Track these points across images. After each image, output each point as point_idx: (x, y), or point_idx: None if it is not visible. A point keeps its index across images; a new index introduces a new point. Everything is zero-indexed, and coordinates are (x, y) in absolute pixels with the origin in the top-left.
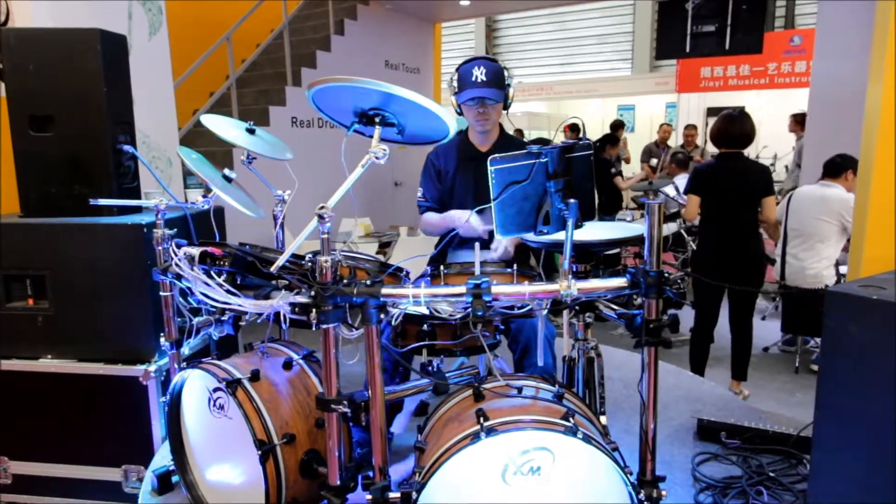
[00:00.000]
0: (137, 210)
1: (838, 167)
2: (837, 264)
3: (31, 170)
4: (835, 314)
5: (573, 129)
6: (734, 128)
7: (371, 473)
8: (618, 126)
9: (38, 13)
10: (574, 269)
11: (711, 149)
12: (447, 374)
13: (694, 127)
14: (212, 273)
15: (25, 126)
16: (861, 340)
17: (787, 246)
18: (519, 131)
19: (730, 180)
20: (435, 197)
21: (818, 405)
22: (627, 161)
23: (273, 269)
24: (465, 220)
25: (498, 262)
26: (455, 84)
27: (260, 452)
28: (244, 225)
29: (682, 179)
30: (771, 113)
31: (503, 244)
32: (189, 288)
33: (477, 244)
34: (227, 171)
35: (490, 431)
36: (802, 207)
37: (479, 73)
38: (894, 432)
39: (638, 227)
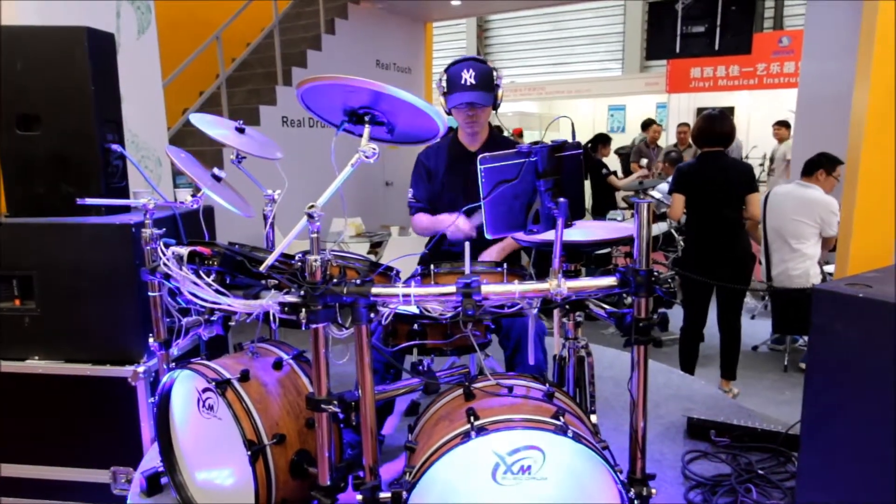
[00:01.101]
0: (126, 210)
1: (811, 166)
2: (821, 263)
3: (18, 169)
4: (821, 312)
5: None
6: (715, 127)
7: (361, 473)
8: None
9: (25, 12)
10: (564, 268)
11: None
12: (438, 374)
13: (687, 125)
14: (201, 273)
15: (12, 125)
16: (848, 338)
17: (770, 247)
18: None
19: (713, 178)
20: (425, 197)
21: (805, 403)
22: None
23: (262, 268)
24: (451, 222)
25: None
26: (444, 85)
27: (249, 453)
28: (234, 225)
29: None
30: (760, 113)
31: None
32: (178, 288)
33: (467, 243)
34: (216, 171)
35: (480, 430)
36: (781, 208)
37: (467, 77)
38: (881, 429)
39: (628, 227)
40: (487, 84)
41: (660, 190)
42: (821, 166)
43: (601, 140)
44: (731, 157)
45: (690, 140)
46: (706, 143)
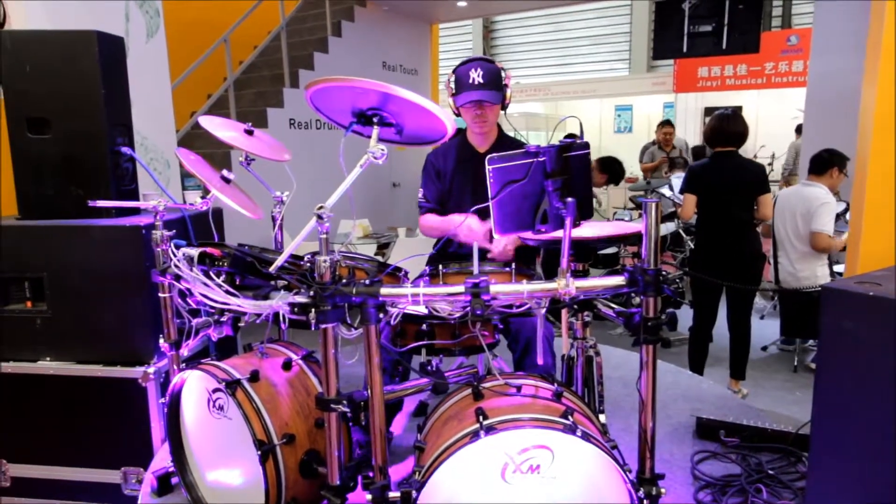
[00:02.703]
0: (136, 211)
1: (824, 163)
2: (831, 263)
3: (29, 172)
4: (830, 311)
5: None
6: (729, 126)
7: (371, 473)
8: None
9: (34, 15)
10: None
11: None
12: (446, 374)
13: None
14: (211, 274)
15: (23, 128)
16: (857, 337)
17: (778, 249)
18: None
19: (725, 178)
20: (435, 197)
21: (815, 402)
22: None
23: (272, 269)
24: (464, 223)
25: (498, 261)
26: (452, 86)
27: (260, 453)
28: (243, 226)
29: (677, 179)
30: (768, 112)
31: (502, 242)
32: (188, 289)
33: (475, 244)
34: (225, 173)
35: (489, 430)
36: (786, 209)
37: (475, 76)
38: (891, 428)
39: (636, 226)
40: (495, 83)
41: (663, 191)
42: (833, 164)
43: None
44: (744, 158)
45: (704, 140)
46: (718, 142)
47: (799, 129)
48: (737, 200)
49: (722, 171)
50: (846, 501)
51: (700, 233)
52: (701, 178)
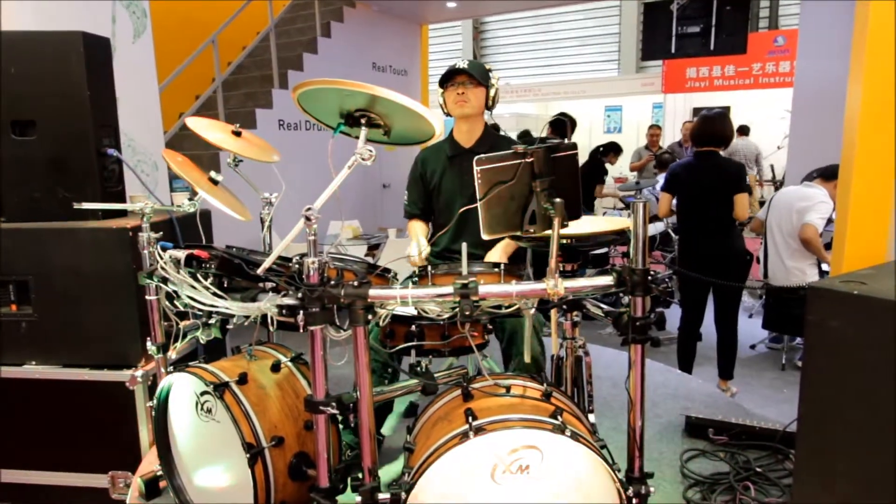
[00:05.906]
0: (122, 214)
1: (835, 174)
2: (820, 262)
3: (14, 174)
4: (816, 310)
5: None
6: (713, 127)
7: (360, 475)
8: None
9: (19, 16)
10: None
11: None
12: (436, 375)
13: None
14: (198, 276)
15: (7, 130)
16: (843, 335)
17: (770, 245)
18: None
19: (704, 178)
20: (417, 198)
21: (802, 400)
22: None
23: (260, 271)
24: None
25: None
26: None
27: (248, 455)
28: (231, 228)
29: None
30: (756, 113)
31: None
32: (176, 291)
33: (464, 244)
34: (213, 174)
35: (479, 431)
36: (783, 206)
37: (460, 63)
38: (877, 425)
39: (625, 220)
40: (478, 70)
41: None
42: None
43: (613, 149)
44: (724, 157)
45: (689, 139)
46: (701, 143)
47: (742, 130)
48: (715, 200)
49: (700, 170)
50: (832, 498)
51: (682, 233)
52: (678, 179)
